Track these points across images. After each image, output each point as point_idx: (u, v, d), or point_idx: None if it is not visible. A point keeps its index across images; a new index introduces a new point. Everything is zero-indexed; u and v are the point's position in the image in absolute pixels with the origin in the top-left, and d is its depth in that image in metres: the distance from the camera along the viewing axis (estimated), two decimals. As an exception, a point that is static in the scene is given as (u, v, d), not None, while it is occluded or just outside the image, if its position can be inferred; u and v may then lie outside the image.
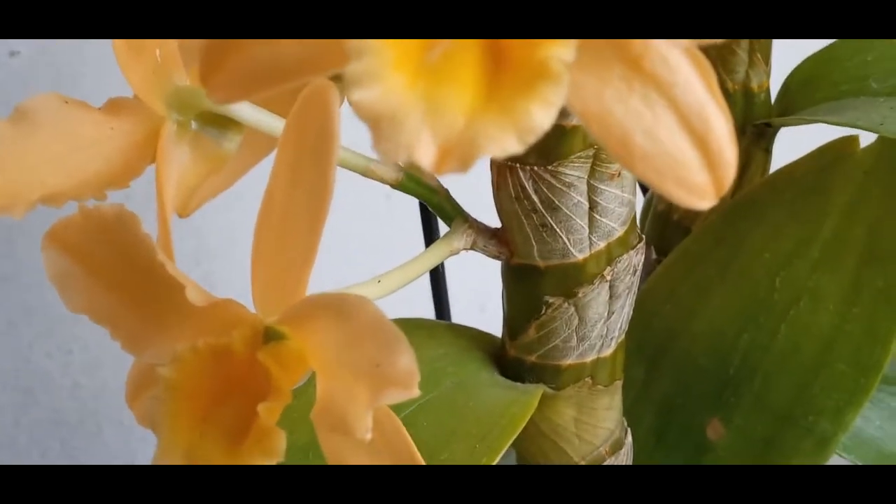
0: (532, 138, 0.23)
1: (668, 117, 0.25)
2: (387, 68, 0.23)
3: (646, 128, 0.25)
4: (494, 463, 0.37)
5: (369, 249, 0.80)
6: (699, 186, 0.25)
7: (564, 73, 0.23)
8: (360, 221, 0.82)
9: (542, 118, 0.23)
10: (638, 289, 0.47)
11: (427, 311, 0.67)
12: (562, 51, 0.23)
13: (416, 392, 0.26)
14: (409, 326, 0.42)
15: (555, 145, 0.36)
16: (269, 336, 0.31)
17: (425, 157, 0.23)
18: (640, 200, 0.51)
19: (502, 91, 0.23)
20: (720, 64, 0.46)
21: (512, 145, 0.23)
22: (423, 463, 0.31)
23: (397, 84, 0.23)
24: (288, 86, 0.26)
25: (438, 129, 0.23)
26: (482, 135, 0.23)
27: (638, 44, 0.25)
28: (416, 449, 0.31)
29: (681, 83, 0.25)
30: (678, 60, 0.25)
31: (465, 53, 0.24)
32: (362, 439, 0.26)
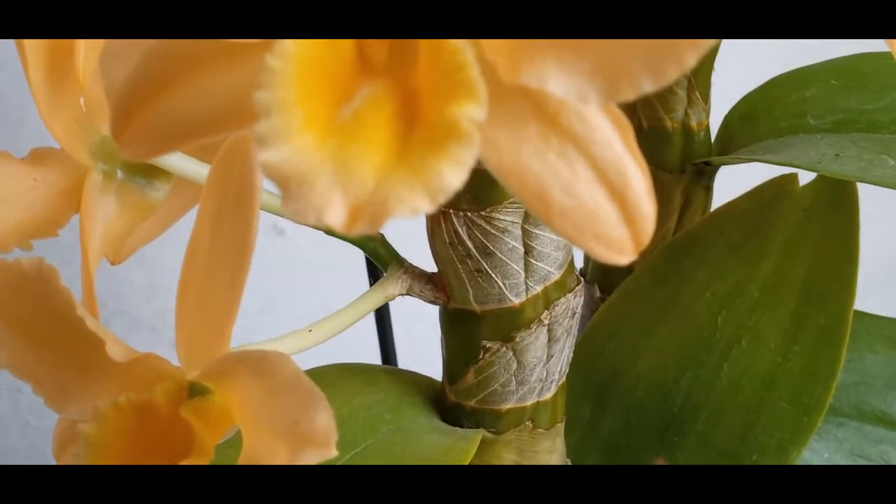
0: (443, 198, 0.22)
1: (586, 173, 0.25)
2: (295, 127, 0.22)
3: (564, 184, 0.25)
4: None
5: (321, 289, 0.80)
6: (618, 241, 0.25)
7: (475, 133, 0.22)
8: (312, 260, 0.81)
9: (452, 178, 0.22)
10: (581, 328, 0.47)
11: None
12: (472, 109, 0.22)
13: (333, 452, 0.25)
14: (347, 372, 0.42)
15: (488, 191, 0.36)
16: (195, 391, 0.31)
17: (335, 218, 0.22)
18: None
19: (413, 151, 0.23)
20: (659, 103, 0.45)
21: (422, 205, 0.22)
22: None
23: (306, 144, 0.22)
24: (200, 143, 0.25)
25: (348, 189, 0.22)
26: (392, 195, 0.22)
27: (554, 101, 0.24)
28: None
29: (598, 139, 0.25)
30: (595, 117, 0.25)
31: (376, 112, 0.23)
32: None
